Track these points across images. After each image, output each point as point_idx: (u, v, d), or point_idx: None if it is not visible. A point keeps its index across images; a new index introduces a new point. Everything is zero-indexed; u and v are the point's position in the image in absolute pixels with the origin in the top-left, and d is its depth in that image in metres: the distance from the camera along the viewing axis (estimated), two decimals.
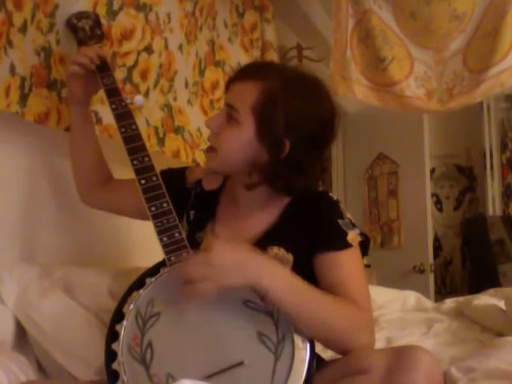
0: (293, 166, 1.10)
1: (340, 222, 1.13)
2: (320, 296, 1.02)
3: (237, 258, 0.97)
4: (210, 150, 1.17)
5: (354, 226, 1.15)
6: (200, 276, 0.94)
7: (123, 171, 1.29)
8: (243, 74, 1.15)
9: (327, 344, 1.06)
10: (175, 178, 1.29)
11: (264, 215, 1.18)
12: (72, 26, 1.40)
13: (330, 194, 1.19)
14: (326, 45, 2.40)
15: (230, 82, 1.17)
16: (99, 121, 1.51)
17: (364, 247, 1.17)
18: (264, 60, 2.33)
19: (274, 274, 0.98)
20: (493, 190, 3.92)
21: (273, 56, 2.42)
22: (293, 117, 1.08)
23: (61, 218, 1.55)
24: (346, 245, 1.11)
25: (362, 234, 1.16)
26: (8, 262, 1.34)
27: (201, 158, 1.90)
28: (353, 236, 1.13)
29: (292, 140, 1.09)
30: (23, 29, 1.30)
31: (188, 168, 1.34)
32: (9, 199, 1.40)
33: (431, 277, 3.23)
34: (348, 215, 1.16)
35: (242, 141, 1.11)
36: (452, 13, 2.06)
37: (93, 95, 1.39)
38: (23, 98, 1.30)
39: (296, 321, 0.98)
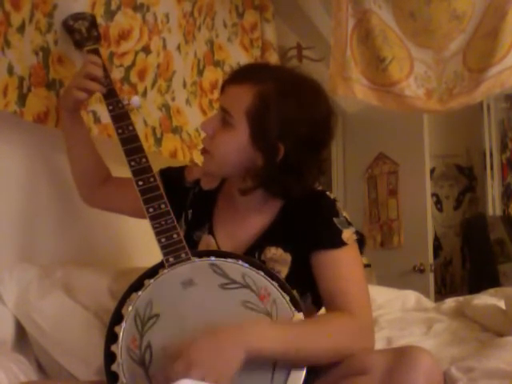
0: (288, 170, 1.10)
1: (335, 220, 1.13)
2: (309, 328, 1.01)
3: (212, 344, 0.91)
4: (204, 152, 1.17)
5: (349, 224, 1.14)
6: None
7: (123, 171, 1.29)
8: (238, 76, 1.15)
9: (327, 362, 1.05)
10: (174, 177, 1.29)
11: (261, 216, 1.18)
12: (68, 27, 1.39)
13: (327, 193, 1.19)
14: (326, 45, 2.39)
15: (225, 85, 1.16)
16: (98, 120, 1.51)
17: (360, 246, 1.16)
18: (261, 61, 2.32)
19: (258, 334, 0.94)
20: (493, 189, 3.92)
21: (273, 56, 2.42)
22: (287, 121, 1.08)
23: (61, 219, 1.55)
24: (340, 243, 1.11)
25: (357, 233, 1.15)
26: (8, 262, 1.34)
27: (199, 158, 1.90)
28: (348, 234, 1.12)
29: (287, 144, 1.08)
30: (21, 29, 1.30)
31: (187, 167, 1.34)
32: (9, 199, 1.40)
33: (431, 277, 3.22)
34: (344, 214, 1.15)
35: (236, 145, 1.11)
36: (452, 13, 2.06)
37: (83, 103, 1.39)
38: (22, 98, 1.30)
39: (294, 361, 0.97)
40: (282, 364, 0.96)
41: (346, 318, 1.04)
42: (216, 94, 2.06)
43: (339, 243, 1.11)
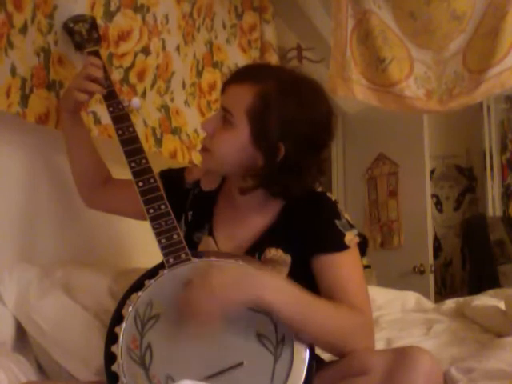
0: (289, 169, 1.10)
1: (337, 222, 1.13)
2: (321, 304, 1.02)
3: (235, 274, 0.97)
4: (203, 150, 1.18)
5: (351, 226, 1.14)
6: (201, 298, 0.93)
7: (123, 172, 1.29)
8: (239, 76, 1.15)
9: (327, 350, 1.06)
10: (174, 178, 1.29)
11: (262, 216, 1.18)
12: (69, 29, 1.40)
13: (328, 195, 1.19)
14: (326, 45, 2.39)
15: (226, 84, 1.16)
16: (98, 121, 1.51)
17: (362, 248, 1.16)
18: (262, 61, 2.32)
19: (275, 287, 0.98)
20: (493, 190, 3.92)
21: (272, 57, 2.42)
22: (288, 120, 1.08)
23: (61, 219, 1.55)
24: (343, 246, 1.11)
25: (359, 235, 1.15)
26: (8, 262, 1.34)
27: (197, 159, 1.90)
28: (350, 237, 1.12)
29: (287, 144, 1.08)
30: (23, 30, 1.30)
31: (186, 168, 1.34)
32: (9, 200, 1.40)
33: (431, 277, 3.22)
34: (346, 216, 1.15)
35: (237, 144, 1.11)
36: (452, 13, 2.06)
37: (84, 104, 1.39)
38: (24, 99, 1.30)
39: (298, 330, 0.98)
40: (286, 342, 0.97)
41: (351, 311, 1.05)
42: (214, 96, 2.06)
43: (342, 247, 1.11)
